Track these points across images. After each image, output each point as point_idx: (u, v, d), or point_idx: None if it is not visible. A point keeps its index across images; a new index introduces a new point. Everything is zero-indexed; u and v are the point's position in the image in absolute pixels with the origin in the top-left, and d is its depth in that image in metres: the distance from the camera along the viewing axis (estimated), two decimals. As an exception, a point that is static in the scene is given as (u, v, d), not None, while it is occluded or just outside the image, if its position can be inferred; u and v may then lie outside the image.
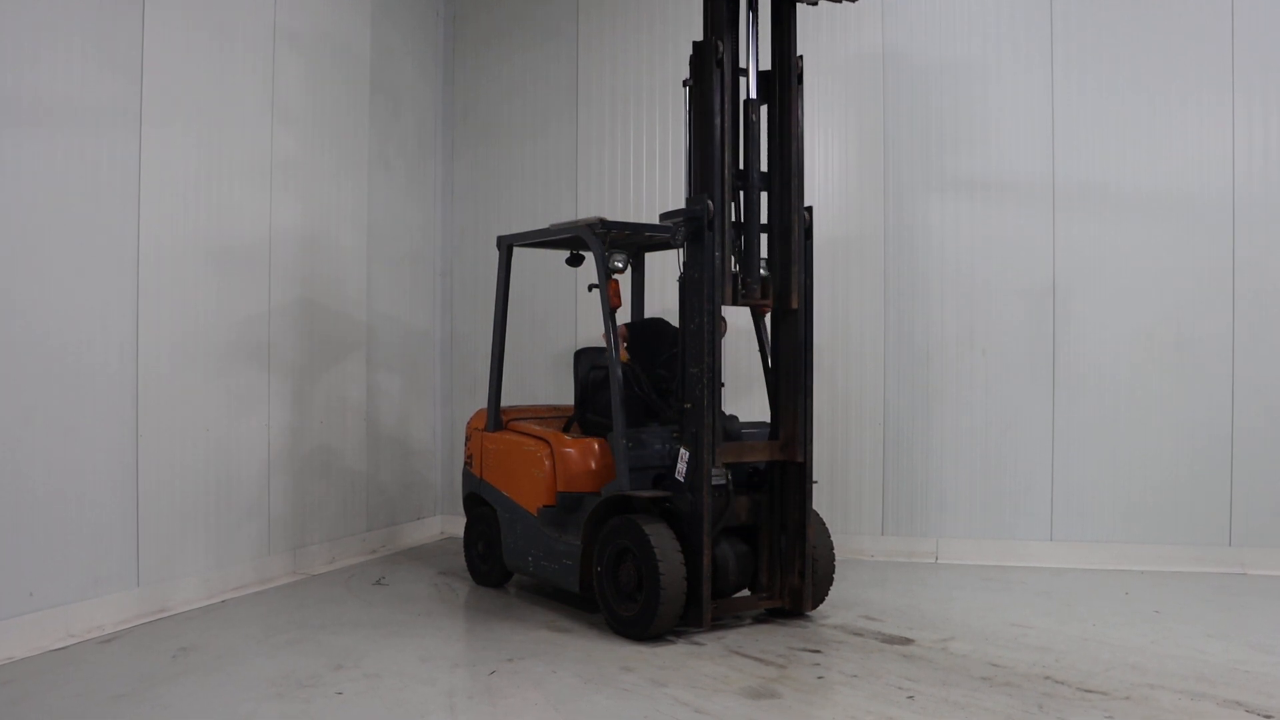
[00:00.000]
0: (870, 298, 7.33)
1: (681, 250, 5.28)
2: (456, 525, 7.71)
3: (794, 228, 5.36)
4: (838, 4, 5.92)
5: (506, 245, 6.42)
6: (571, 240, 6.11)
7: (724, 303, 5.19)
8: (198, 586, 5.87)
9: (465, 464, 6.60)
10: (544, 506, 5.79)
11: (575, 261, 6.49)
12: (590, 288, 5.89)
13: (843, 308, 7.35)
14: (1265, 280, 6.67)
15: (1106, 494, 6.90)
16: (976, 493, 7.13)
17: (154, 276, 5.58)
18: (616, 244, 5.94)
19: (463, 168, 8.55)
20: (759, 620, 5.45)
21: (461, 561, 6.77)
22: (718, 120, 5.17)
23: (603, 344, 5.81)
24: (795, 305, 5.38)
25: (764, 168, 5.42)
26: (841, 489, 7.34)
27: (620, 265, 5.47)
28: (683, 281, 5.24)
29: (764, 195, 5.42)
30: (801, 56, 5.43)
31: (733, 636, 5.14)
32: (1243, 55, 6.69)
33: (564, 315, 8.09)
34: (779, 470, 5.43)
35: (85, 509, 5.17)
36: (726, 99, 5.21)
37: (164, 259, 5.65)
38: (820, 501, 6.21)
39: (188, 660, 4.74)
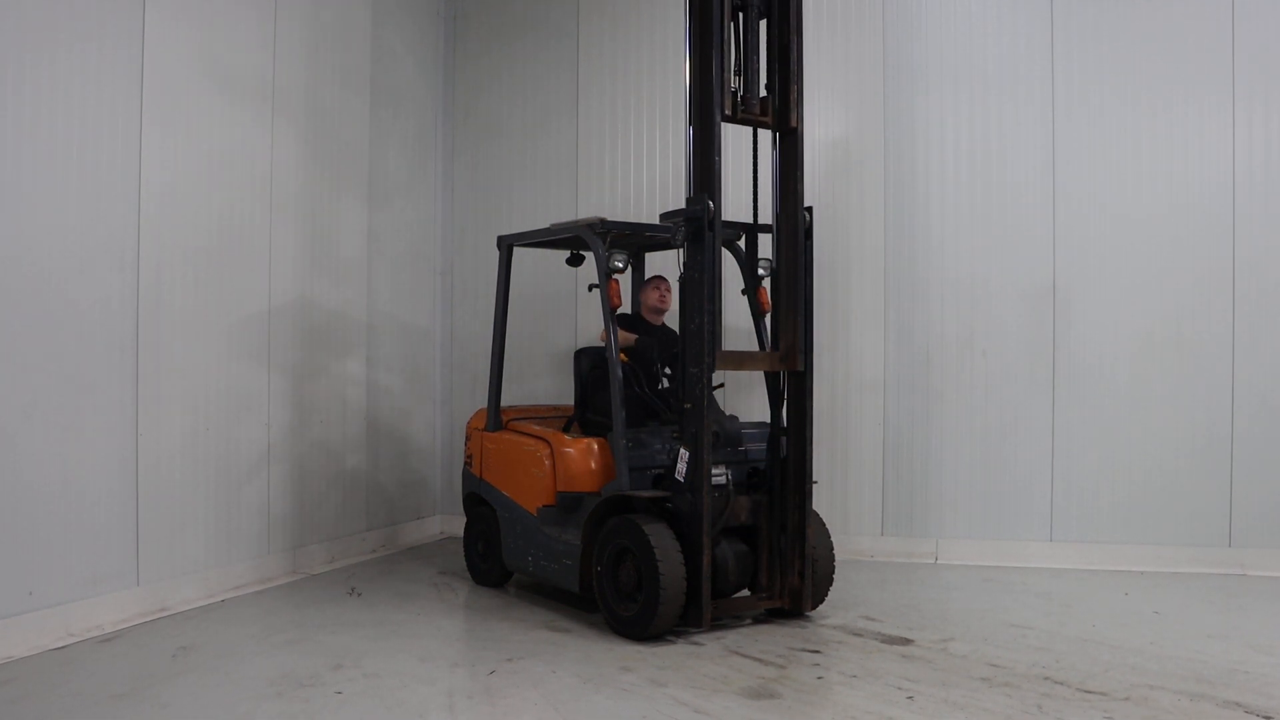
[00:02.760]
0: (870, 298, 7.33)
1: (681, 250, 5.28)
2: (456, 525, 7.71)
3: (791, 48, 5.38)
4: None
5: (507, 245, 6.43)
6: (571, 240, 6.11)
7: (723, 117, 5.20)
8: (197, 586, 5.87)
9: (465, 464, 6.60)
10: (544, 506, 5.79)
11: (575, 261, 6.49)
12: (590, 288, 5.89)
13: (843, 308, 7.35)
14: (1265, 280, 6.67)
15: (1106, 494, 6.90)
16: (976, 493, 7.13)
17: (153, 275, 5.58)
18: (616, 244, 5.94)
19: (463, 167, 8.55)
20: (759, 620, 5.45)
21: (461, 561, 6.77)
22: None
23: (603, 344, 5.81)
24: (794, 124, 5.39)
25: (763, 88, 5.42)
26: (841, 489, 7.34)
27: (620, 265, 5.47)
28: (683, 281, 5.24)
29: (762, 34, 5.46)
30: None
31: (732, 637, 5.14)
32: (1243, 56, 6.69)
33: (564, 315, 8.10)
34: (779, 470, 5.43)
35: (85, 508, 5.17)
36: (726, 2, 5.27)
37: (163, 257, 5.65)
38: (820, 501, 6.21)
39: (187, 659, 4.74)
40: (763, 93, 5.44)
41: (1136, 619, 5.49)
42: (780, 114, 5.44)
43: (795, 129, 5.41)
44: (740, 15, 5.37)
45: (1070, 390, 6.98)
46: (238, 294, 6.23)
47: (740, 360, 5.47)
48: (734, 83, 5.32)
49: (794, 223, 5.42)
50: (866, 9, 7.36)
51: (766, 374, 5.63)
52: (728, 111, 5.24)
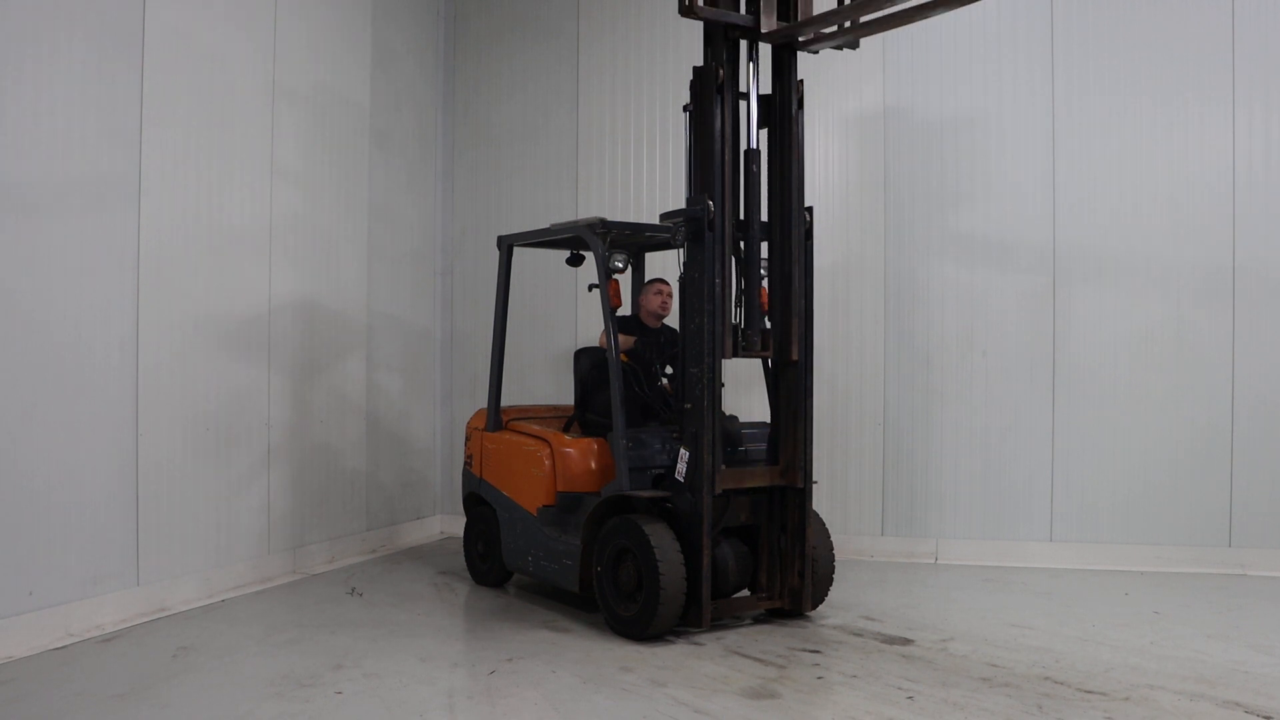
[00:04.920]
0: (870, 298, 7.33)
1: (681, 250, 5.28)
2: (456, 525, 7.71)
3: (794, 278, 5.34)
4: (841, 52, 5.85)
5: (507, 245, 6.43)
6: (571, 240, 6.11)
7: (724, 355, 5.17)
8: (197, 586, 5.87)
9: (465, 464, 6.60)
10: (544, 506, 5.79)
11: (575, 261, 6.49)
12: (590, 288, 5.89)
13: (843, 309, 7.35)
14: (1265, 280, 6.67)
15: (1106, 494, 6.90)
16: (976, 493, 7.13)
17: (154, 275, 5.58)
18: (616, 244, 5.94)
19: (463, 167, 8.55)
20: (758, 620, 5.45)
21: (461, 561, 6.77)
22: (718, 148, 5.15)
23: (603, 346, 5.81)
24: (795, 358, 5.35)
25: (764, 200, 5.38)
26: (841, 489, 7.34)
27: (620, 265, 5.47)
28: (683, 282, 5.24)
29: (764, 245, 5.42)
30: (802, 81, 5.40)
31: (732, 637, 5.14)
32: (1243, 56, 6.69)
33: (564, 315, 8.09)
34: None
35: (85, 508, 5.17)
36: (727, 125, 5.20)
37: (164, 257, 5.65)
38: (820, 501, 6.22)
39: (187, 659, 4.74)
40: (765, 324, 5.39)
41: (1136, 619, 5.49)
42: (781, 347, 5.38)
43: (796, 361, 5.35)
44: (741, 243, 5.31)
45: (1070, 390, 6.98)
46: (238, 294, 6.23)
47: (741, 478, 5.29)
48: (735, 315, 5.26)
49: (795, 390, 5.37)
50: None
51: (765, 372, 5.63)
52: (728, 352, 5.22)
